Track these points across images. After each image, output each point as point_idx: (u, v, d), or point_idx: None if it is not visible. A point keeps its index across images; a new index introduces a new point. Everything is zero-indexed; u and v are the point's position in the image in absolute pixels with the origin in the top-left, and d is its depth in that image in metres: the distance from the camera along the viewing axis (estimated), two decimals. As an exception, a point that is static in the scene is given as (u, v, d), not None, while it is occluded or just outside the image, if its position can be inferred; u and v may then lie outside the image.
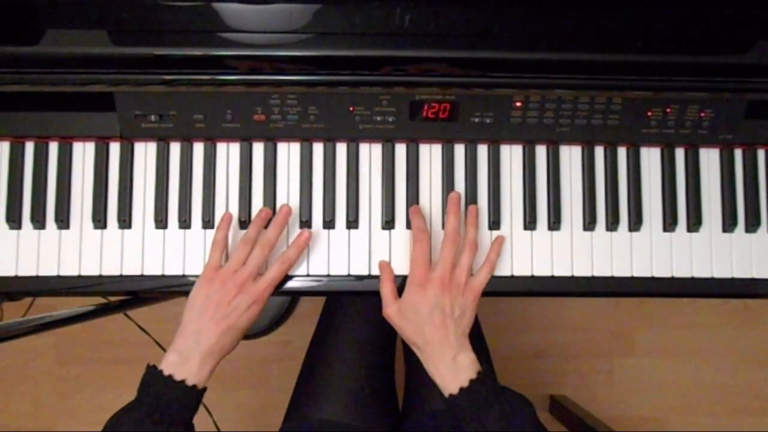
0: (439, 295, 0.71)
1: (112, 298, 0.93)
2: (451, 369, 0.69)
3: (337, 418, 0.86)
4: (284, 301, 1.55)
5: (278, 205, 0.78)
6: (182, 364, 0.68)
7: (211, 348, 0.69)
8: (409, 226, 0.78)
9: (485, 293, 0.76)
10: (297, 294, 0.90)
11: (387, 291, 0.74)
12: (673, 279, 0.79)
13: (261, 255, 0.73)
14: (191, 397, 0.67)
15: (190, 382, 0.67)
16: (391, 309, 0.73)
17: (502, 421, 0.66)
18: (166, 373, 0.67)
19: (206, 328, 0.69)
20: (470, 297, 0.73)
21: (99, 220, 0.77)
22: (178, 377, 0.67)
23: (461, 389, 0.68)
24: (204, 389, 0.69)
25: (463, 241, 0.75)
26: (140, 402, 0.67)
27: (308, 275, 0.78)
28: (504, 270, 0.78)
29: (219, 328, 0.70)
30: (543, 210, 0.79)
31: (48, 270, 0.76)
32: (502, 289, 0.78)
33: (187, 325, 0.70)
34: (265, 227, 0.76)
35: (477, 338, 0.95)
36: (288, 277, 0.77)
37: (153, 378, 0.68)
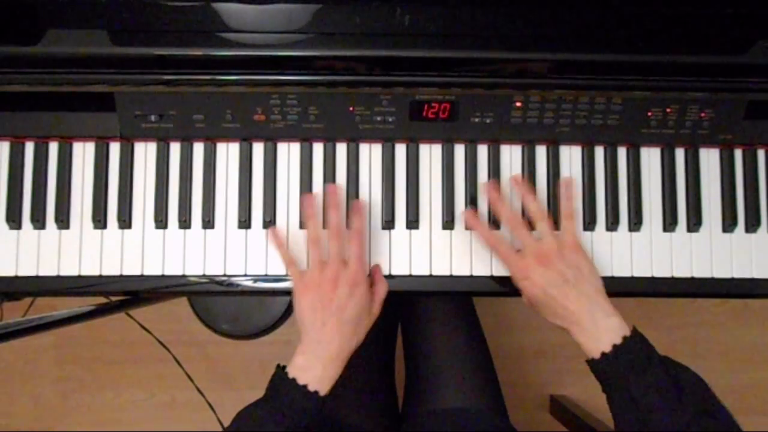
0: (543, 273, 0.69)
1: (113, 298, 0.92)
2: (593, 333, 0.67)
3: (336, 417, 0.86)
4: (284, 301, 1.55)
5: (278, 204, 0.78)
6: (306, 369, 0.68)
7: (333, 353, 0.69)
8: (409, 226, 0.78)
9: (487, 293, 0.76)
10: (297, 294, 0.90)
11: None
12: (673, 279, 0.79)
13: (338, 243, 0.72)
14: (312, 402, 0.67)
15: (312, 388, 0.67)
16: (526, 298, 0.73)
17: (656, 392, 0.62)
18: (290, 375, 0.68)
19: (323, 335, 0.69)
20: (570, 254, 0.71)
21: (99, 220, 0.77)
22: (301, 381, 0.67)
23: (603, 354, 0.65)
24: (326, 396, 0.68)
25: (529, 214, 0.74)
26: (265, 400, 0.68)
27: (308, 275, 0.78)
28: (504, 270, 0.78)
29: (333, 330, 0.69)
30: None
31: (48, 270, 0.76)
32: (503, 289, 0.78)
33: (307, 333, 0.70)
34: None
35: (477, 338, 0.95)
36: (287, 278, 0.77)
37: (279, 378, 0.68)
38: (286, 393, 0.67)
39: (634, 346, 0.66)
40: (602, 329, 0.66)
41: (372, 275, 0.76)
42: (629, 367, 0.64)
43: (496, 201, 0.76)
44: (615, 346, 0.65)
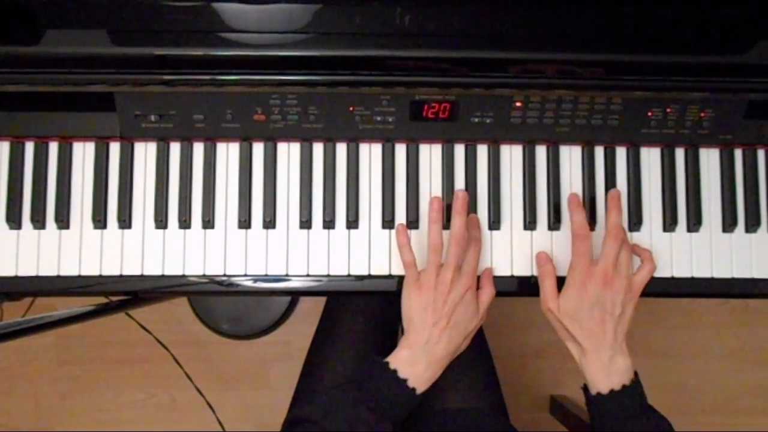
0: (600, 291, 0.70)
1: (113, 298, 0.93)
2: (605, 369, 0.69)
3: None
4: (284, 301, 1.55)
5: (278, 204, 0.78)
6: (410, 364, 0.69)
7: (438, 355, 0.70)
8: (409, 226, 0.78)
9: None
10: (297, 294, 0.91)
11: (548, 286, 0.74)
12: (673, 279, 0.79)
13: (458, 248, 0.72)
14: (408, 397, 0.68)
15: (411, 384, 0.68)
16: (552, 304, 0.73)
17: None
18: (392, 366, 0.69)
19: (432, 336, 0.70)
20: (629, 295, 0.72)
21: (99, 220, 0.77)
22: (401, 375, 0.68)
23: (612, 391, 0.68)
24: (421, 395, 0.69)
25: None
26: (360, 385, 0.69)
27: (308, 275, 0.78)
28: (504, 270, 0.78)
29: (444, 333, 0.70)
30: (543, 210, 0.79)
31: (48, 270, 0.76)
32: (502, 288, 0.78)
33: (415, 331, 0.71)
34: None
35: (478, 338, 0.95)
36: (292, 276, 0.77)
37: (379, 367, 0.69)
38: (385, 382, 0.68)
39: (638, 389, 0.70)
40: (615, 368, 0.70)
41: (480, 279, 0.76)
42: (630, 408, 0.68)
43: (617, 206, 0.75)
44: (624, 386, 0.69)
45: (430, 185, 0.79)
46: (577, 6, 0.72)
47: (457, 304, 0.71)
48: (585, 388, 0.72)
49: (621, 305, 0.71)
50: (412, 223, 0.78)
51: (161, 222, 0.77)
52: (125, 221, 0.77)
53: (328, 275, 0.78)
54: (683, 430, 1.61)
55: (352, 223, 0.78)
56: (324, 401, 0.69)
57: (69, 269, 0.76)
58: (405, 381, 0.68)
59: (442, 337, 0.70)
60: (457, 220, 0.73)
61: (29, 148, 0.78)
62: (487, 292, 0.75)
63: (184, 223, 0.77)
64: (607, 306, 0.70)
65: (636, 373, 0.71)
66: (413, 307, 0.72)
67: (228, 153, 0.79)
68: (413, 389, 0.69)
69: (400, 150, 0.79)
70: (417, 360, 0.70)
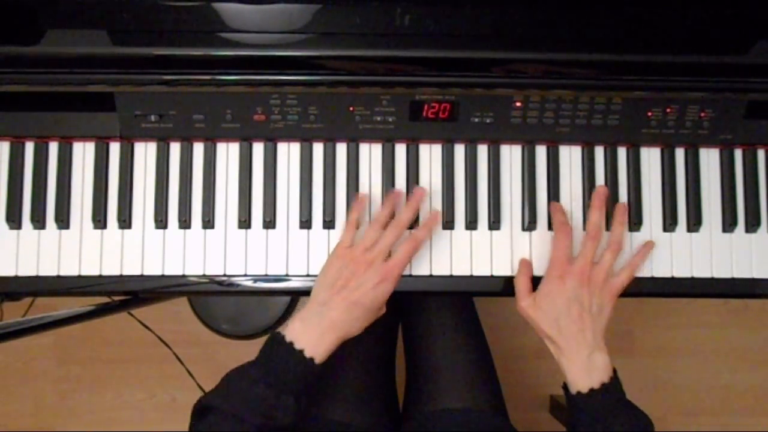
0: (577, 287, 0.71)
1: (113, 298, 0.93)
2: (585, 367, 0.69)
3: (336, 417, 0.86)
4: (284, 301, 1.55)
5: (278, 204, 0.78)
6: (304, 332, 0.68)
7: (334, 321, 0.69)
8: (409, 226, 0.78)
9: (487, 293, 0.76)
10: (297, 294, 0.91)
11: (522, 283, 0.74)
12: (673, 279, 0.79)
13: (392, 235, 0.73)
14: (306, 368, 0.67)
15: (308, 354, 0.67)
16: (525, 302, 0.73)
17: None
18: (287, 339, 0.68)
19: (332, 301, 0.69)
20: (607, 297, 0.72)
21: (99, 220, 0.77)
22: (297, 346, 0.67)
23: (592, 390, 0.68)
24: (321, 365, 0.68)
25: (608, 239, 0.75)
26: (258, 362, 0.68)
27: (308, 275, 0.78)
28: (504, 270, 0.78)
29: (344, 302, 0.69)
30: (543, 210, 0.79)
31: (48, 270, 0.76)
32: (503, 289, 0.78)
33: (315, 297, 0.71)
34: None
35: (477, 337, 0.95)
36: (292, 276, 0.77)
37: (274, 342, 0.68)
38: (281, 356, 0.67)
39: (618, 386, 0.70)
40: (594, 366, 0.69)
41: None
42: (611, 405, 0.68)
43: (600, 206, 0.76)
44: (603, 384, 0.68)
45: (430, 185, 0.79)
46: (577, 6, 0.72)
47: (369, 288, 0.70)
48: (565, 387, 0.72)
49: (598, 304, 0.71)
50: (412, 223, 0.78)
51: (161, 222, 0.77)
52: (125, 221, 0.77)
53: (328, 275, 0.78)
54: (682, 430, 1.61)
55: (352, 223, 0.78)
56: (223, 385, 0.68)
57: (69, 269, 0.76)
58: (301, 351, 0.67)
59: (339, 305, 0.69)
60: (407, 210, 0.75)
61: (29, 148, 0.78)
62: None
63: (184, 223, 0.77)
64: (584, 303, 0.71)
65: (614, 370, 0.70)
66: (330, 268, 0.71)
67: (228, 153, 0.79)
68: (311, 359, 0.67)
69: (400, 150, 0.79)
70: (311, 327, 0.68)
